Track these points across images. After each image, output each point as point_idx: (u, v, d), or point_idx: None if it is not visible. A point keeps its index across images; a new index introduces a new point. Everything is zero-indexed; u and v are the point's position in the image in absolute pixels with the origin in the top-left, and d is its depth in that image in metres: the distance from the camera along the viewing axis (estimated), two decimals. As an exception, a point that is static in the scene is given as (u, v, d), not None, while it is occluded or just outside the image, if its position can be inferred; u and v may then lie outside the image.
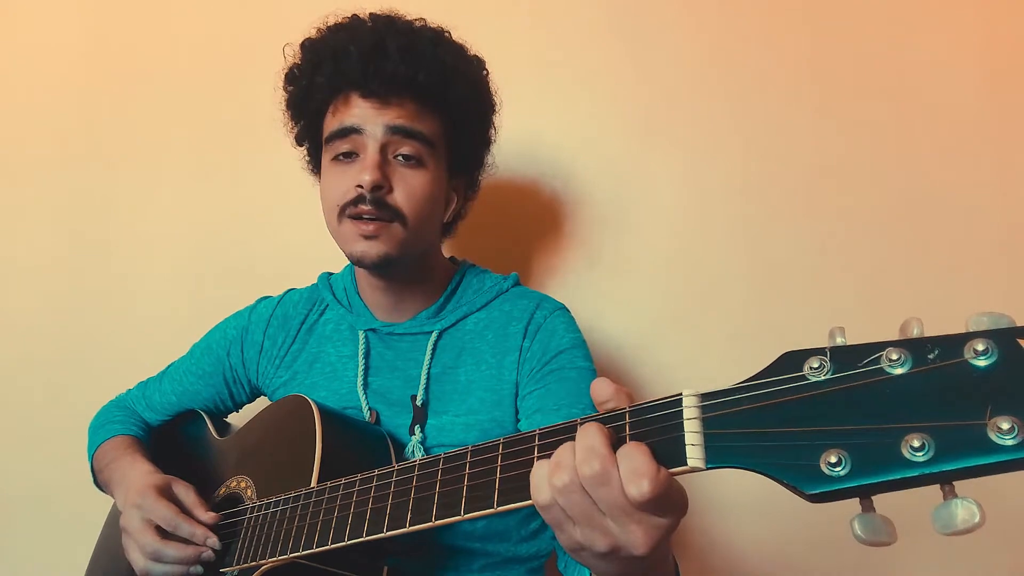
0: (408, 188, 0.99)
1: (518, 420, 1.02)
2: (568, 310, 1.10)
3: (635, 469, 0.52)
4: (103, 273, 1.57)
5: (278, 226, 1.55)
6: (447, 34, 1.06)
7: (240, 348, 1.16)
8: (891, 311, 1.38)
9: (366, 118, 0.99)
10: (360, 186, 0.96)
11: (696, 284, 1.44)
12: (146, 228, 1.57)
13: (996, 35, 1.44)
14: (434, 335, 1.06)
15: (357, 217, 0.98)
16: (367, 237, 0.98)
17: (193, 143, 1.58)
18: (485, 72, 1.11)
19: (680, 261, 1.45)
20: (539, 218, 1.48)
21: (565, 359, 1.02)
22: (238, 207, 1.56)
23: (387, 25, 1.02)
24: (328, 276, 1.19)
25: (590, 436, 0.56)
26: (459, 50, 1.06)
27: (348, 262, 1.18)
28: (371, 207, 0.97)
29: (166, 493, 0.95)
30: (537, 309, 1.07)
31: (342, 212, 1.00)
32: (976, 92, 1.43)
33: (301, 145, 1.15)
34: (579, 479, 0.55)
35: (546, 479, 0.57)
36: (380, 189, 0.97)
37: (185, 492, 0.96)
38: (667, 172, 1.47)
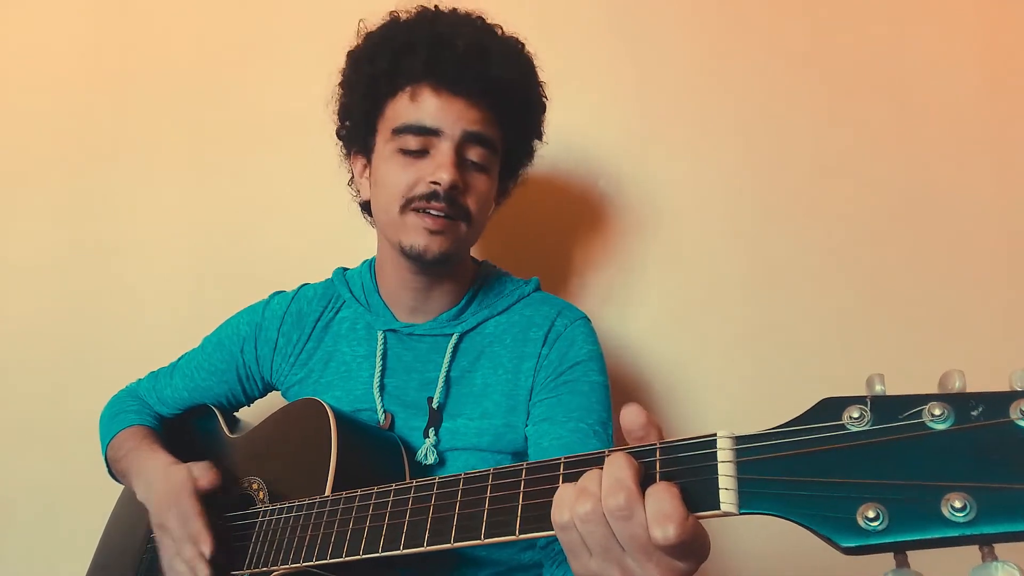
0: (477, 191, 1.01)
1: (527, 425, 1.02)
2: (589, 320, 1.10)
3: (662, 511, 0.52)
4: (103, 273, 1.56)
5: (278, 227, 1.54)
6: (524, 45, 1.08)
7: (254, 345, 1.15)
8: (891, 310, 1.39)
9: (446, 120, 0.98)
10: (436, 183, 0.96)
11: (696, 283, 1.44)
12: (146, 228, 1.56)
13: (996, 35, 1.44)
14: (454, 337, 1.06)
15: (423, 211, 0.98)
16: (432, 232, 0.98)
17: (193, 143, 1.57)
18: (543, 88, 1.12)
19: (680, 260, 1.45)
20: (540, 218, 1.47)
21: (580, 371, 1.02)
22: (238, 207, 1.55)
23: (481, 26, 1.03)
24: (344, 272, 1.18)
25: (618, 468, 0.55)
26: (531, 60, 1.08)
27: (359, 260, 1.19)
28: (444, 204, 0.97)
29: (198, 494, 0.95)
30: (558, 317, 1.07)
31: (407, 204, 0.99)
32: (976, 92, 1.43)
33: (344, 120, 1.12)
34: (602, 509, 0.55)
35: (568, 502, 0.57)
36: (456, 189, 0.98)
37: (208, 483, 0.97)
38: (668, 172, 1.46)
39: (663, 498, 0.52)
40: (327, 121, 1.15)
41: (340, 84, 1.10)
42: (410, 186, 0.98)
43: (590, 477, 0.57)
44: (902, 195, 1.42)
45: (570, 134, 1.47)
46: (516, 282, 1.13)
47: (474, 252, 1.21)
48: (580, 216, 1.47)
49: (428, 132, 0.98)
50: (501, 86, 0.99)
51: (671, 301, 1.44)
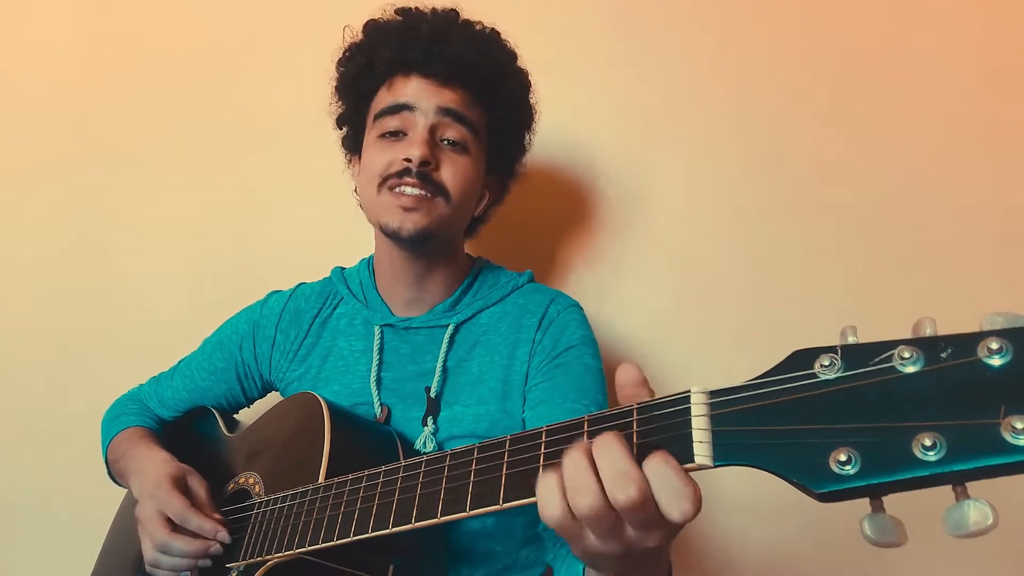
0: (454, 168, 1.02)
1: (524, 411, 1.02)
2: (581, 308, 1.11)
3: (676, 491, 0.50)
4: (103, 273, 1.57)
5: (278, 226, 1.55)
6: (504, 37, 1.10)
7: (252, 343, 1.16)
8: (892, 310, 1.38)
9: (420, 97, 1.02)
10: (408, 160, 0.98)
11: (697, 283, 1.44)
12: (146, 228, 1.57)
13: (997, 35, 1.44)
14: (450, 328, 1.07)
15: (397, 189, 1.00)
16: (407, 209, 1.00)
17: (193, 143, 1.59)
18: (530, 83, 1.14)
19: (681, 260, 1.45)
20: (539, 218, 1.48)
21: (573, 355, 1.03)
22: (238, 207, 1.56)
23: (451, 17, 1.07)
24: (342, 270, 1.20)
25: (616, 456, 0.52)
26: (513, 54, 1.11)
27: (358, 260, 1.20)
28: (416, 180, 0.99)
29: (180, 485, 0.95)
30: (552, 304, 1.09)
31: (383, 183, 1.01)
32: (977, 92, 1.43)
33: (342, 127, 1.17)
34: (609, 502, 0.52)
35: (557, 496, 0.54)
36: (428, 165, 0.99)
37: (199, 486, 0.97)
38: (668, 171, 1.47)
39: (671, 475, 0.51)
40: (327, 122, 1.17)
41: (335, 90, 1.14)
42: (387, 166, 1.01)
43: (577, 469, 0.53)
44: (902, 195, 1.41)
45: (570, 132, 1.48)
46: (510, 274, 1.15)
47: (470, 250, 1.22)
48: (579, 214, 1.48)
49: (403, 108, 1.02)
50: (467, 64, 1.02)
51: (670, 300, 1.44)
